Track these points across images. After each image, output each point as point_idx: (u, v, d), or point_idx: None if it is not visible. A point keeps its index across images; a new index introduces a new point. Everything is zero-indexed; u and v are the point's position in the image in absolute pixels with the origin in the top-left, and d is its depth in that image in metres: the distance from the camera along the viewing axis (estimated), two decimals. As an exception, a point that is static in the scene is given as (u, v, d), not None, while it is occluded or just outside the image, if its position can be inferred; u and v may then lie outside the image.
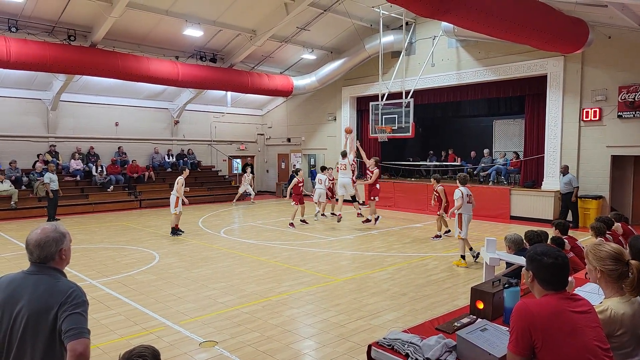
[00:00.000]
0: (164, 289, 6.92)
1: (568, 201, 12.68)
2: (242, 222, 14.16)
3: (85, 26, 13.90)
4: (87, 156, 17.52)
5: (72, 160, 17.08)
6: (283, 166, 22.94)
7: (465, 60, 15.48)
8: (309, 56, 18.20)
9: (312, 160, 21.68)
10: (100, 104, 18.00)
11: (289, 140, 22.38)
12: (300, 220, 13.14)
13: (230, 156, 22.41)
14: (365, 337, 5.01)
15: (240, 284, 7.20)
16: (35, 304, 2.16)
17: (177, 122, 20.42)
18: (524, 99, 15.06)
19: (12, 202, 14.45)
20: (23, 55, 12.35)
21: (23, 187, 15.23)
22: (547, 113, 13.79)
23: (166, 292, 6.73)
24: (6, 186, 14.53)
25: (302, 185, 13.51)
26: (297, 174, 13.60)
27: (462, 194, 8.43)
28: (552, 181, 13.65)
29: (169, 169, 19.51)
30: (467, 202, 8.52)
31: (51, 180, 13.60)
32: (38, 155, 16.35)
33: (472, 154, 17.47)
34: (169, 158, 19.86)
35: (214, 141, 21.82)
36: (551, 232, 5.88)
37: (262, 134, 23.68)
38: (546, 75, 13.72)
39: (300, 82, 18.89)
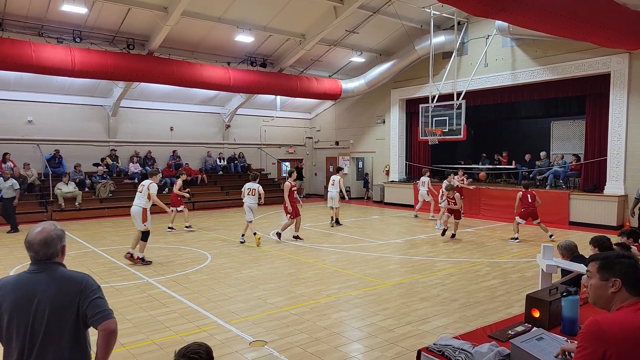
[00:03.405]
0: (216, 288, 7.13)
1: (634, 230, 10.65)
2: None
3: (143, 35, 14.63)
4: (145, 159, 18.38)
5: (131, 163, 17.98)
6: (331, 169, 23.01)
7: (521, 59, 14.89)
8: (358, 59, 18.18)
9: (361, 163, 21.62)
10: (156, 109, 18.89)
11: (337, 143, 22.44)
12: (293, 237, 11.10)
13: (280, 159, 22.77)
14: (414, 343, 4.92)
15: (289, 285, 7.28)
16: (54, 299, 2.27)
17: (228, 126, 21.02)
18: (585, 99, 14.28)
19: (76, 203, 15.42)
20: (86, 64, 13.15)
21: (86, 189, 16.20)
22: (611, 113, 13.00)
23: (218, 292, 6.93)
24: (71, 188, 15.53)
25: (296, 191, 11.36)
26: (290, 176, 11.53)
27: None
28: (616, 185, 12.84)
29: (221, 172, 20.11)
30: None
31: (11, 186, 12.57)
32: (102, 160, 17.36)
33: (527, 156, 16.74)
34: (220, 161, 20.47)
35: (263, 145, 22.26)
36: (615, 239, 5.53)
37: (310, 137, 23.90)
38: (609, 74, 12.94)
39: (349, 85, 18.91)
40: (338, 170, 13.79)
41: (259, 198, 10.74)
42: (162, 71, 14.47)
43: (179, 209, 12.90)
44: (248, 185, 10.86)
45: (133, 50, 14.60)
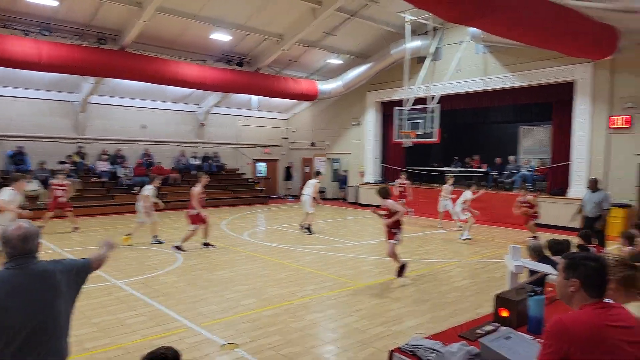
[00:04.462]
0: (187, 290, 7.01)
1: (592, 227, 8.99)
2: (265, 225, 14.25)
3: (116, 30, 14.29)
4: (114, 158, 17.95)
5: (99, 161, 17.52)
6: (307, 170, 23.03)
7: (493, 65, 15.26)
8: (335, 61, 18.26)
9: (336, 164, 21.71)
10: (128, 106, 18.47)
11: (313, 144, 22.46)
12: (204, 244, 10.14)
13: (255, 159, 22.63)
14: (387, 343, 4.96)
15: (262, 287, 7.24)
16: (40, 291, 2.36)
17: (203, 125, 20.75)
18: (551, 105, 14.75)
19: (40, 202, 14.91)
20: (54, 57, 12.75)
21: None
22: (575, 120, 13.48)
23: (188, 294, 6.82)
24: (35, 186, 14.99)
25: (205, 196, 10.38)
26: (201, 180, 10.33)
27: None
28: (579, 189, 13.28)
29: (194, 172, 19.81)
30: None
31: None
32: (68, 157, 16.84)
33: (498, 160, 17.16)
34: (194, 160, 20.18)
35: (238, 144, 22.07)
36: (576, 241, 5.73)
37: (286, 138, 23.84)
38: (574, 82, 13.42)
39: (326, 86, 18.96)
40: (317, 174, 13.37)
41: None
42: (134, 67, 14.16)
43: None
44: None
45: (105, 45, 14.23)
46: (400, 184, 15.39)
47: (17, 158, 15.62)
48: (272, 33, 15.74)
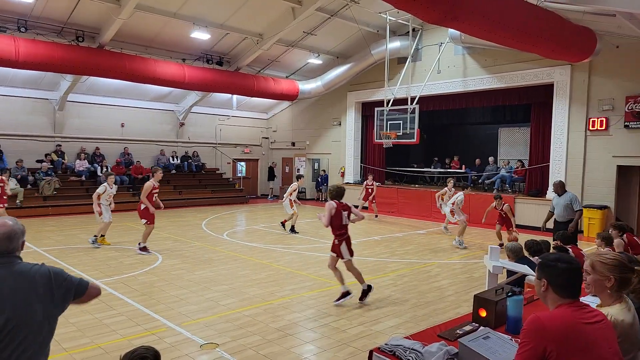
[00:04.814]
0: (166, 290, 6.92)
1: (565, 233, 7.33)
2: (245, 225, 14.16)
3: (94, 27, 14.01)
4: (93, 156, 17.60)
5: (78, 160, 17.17)
6: (287, 170, 22.97)
7: (472, 67, 15.49)
8: (315, 61, 18.26)
9: (316, 164, 21.72)
10: (106, 104, 18.13)
11: (293, 144, 22.42)
12: (140, 248, 9.42)
13: (235, 159, 22.47)
14: (367, 343, 4.98)
15: (242, 287, 7.19)
16: (20, 292, 2.26)
17: (182, 124, 20.51)
18: (530, 107, 15.04)
19: (17, 201, 14.53)
20: (31, 55, 12.46)
21: (29, 186, 15.31)
22: (553, 122, 13.76)
23: (168, 294, 6.73)
24: (12, 185, 14.58)
25: (157, 193, 9.72)
26: (155, 175, 9.89)
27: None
28: (557, 190, 13.61)
29: (174, 171, 19.58)
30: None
31: None
32: (46, 155, 16.46)
33: (477, 161, 17.44)
34: (173, 160, 19.93)
35: (218, 144, 21.88)
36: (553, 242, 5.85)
37: (266, 138, 23.74)
38: (553, 84, 13.71)
39: (306, 86, 18.95)
40: (297, 177, 13.25)
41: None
42: (113, 65, 13.90)
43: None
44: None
45: (83, 42, 13.95)
46: (367, 184, 15.53)
47: (-7, 156, 15.21)
48: (252, 32, 15.65)
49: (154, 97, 18.99)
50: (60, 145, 17.07)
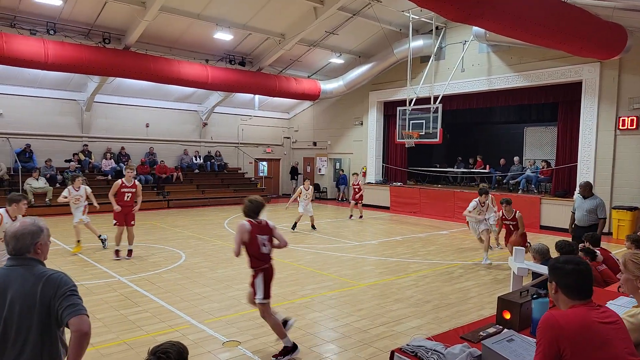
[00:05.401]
0: (190, 287, 7.02)
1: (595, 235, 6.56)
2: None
3: (120, 29, 14.32)
4: (118, 156, 18.00)
5: (104, 159, 17.58)
6: (309, 169, 23.03)
7: (497, 65, 15.21)
8: (337, 60, 18.24)
9: (338, 164, 21.70)
10: (132, 105, 18.51)
11: (314, 144, 22.45)
12: (116, 252, 8.97)
13: (257, 159, 22.64)
14: (388, 344, 4.95)
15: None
16: (27, 295, 2.21)
17: (205, 125, 20.77)
18: (557, 106, 14.69)
19: (46, 199, 14.97)
20: (60, 57, 12.81)
21: (57, 185, 15.75)
22: (581, 121, 13.40)
23: (191, 291, 6.83)
24: (41, 183, 15.07)
25: (131, 193, 9.10)
26: (126, 173, 9.20)
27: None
28: (585, 191, 13.24)
29: (197, 170, 19.86)
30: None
31: None
32: (73, 155, 16.92)
33: (502, 161, 17.12)
34: (196, 159, 20.21)
35: (240, 144, 22.09)
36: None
37: (288, 138, 23.84)
38: (581, 82, 13.35)
39: (328, 86, 18.95)
40: (304, 180, 13.38)
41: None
42: (138, 66, 14.19)
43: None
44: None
45: (109, 44, 14.28)
46: (354, 184, 15.51)
47: (25, 155, 15.71)
48: (274, 32, 15.74)
49: (177, 97, 19.30)
50: (87, 145, 17.51)
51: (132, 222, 9.15)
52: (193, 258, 9.03)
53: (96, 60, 13.48)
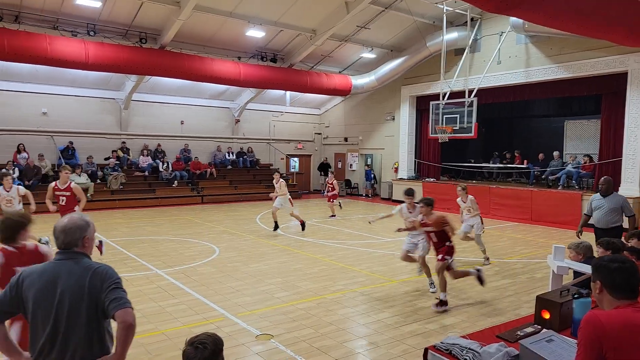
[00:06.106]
0: (223, 281, 7.15)
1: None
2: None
3: (155, 29, 14.67)
4: (155, 153, 18.50)
5: (141, 156, 18.10)
6: (340, 165, 22.99)
7: (535, 56, 14.70)
8: (369, 55, 18.09)
9: (369, 160, 21.57)
10: (167, 103, 18.96)
11: (346, 139, 22.39)
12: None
13: (288, 155, 22.79)
14: (420, 341, 4.89)
15: (296, 280, 7.28)
16: (76, 288, 2.29)
17: (237, 121, 21.05)
18: (600, 98, 14.07)
19: (88, 195, 15.57)
20: (100, 57, 13.26)
21: (98, 181, 16.35)
22: (627, 113, 12.78)
23: (225, 285, 6.95)
24: (83, 179, 15.67)
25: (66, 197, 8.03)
26: (63, 171, 8.09)
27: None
28: (630, 187, 12.64)
29: (229, 166, 20.17)
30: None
31: None
32: (112, 152, 17.52)
33: (540, 156, 16.55)
34: (229, 156, 20.53)
35: (272, 140, 22.28)
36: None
37: (319, 133, 23.87)
38: (627, 73, 12.72)
39: (359, 81, 18.83)
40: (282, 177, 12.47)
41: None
42: (173, 65, 14.52)
43: None
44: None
45: (145, 44, 14.66)
46: (329, 182, 15.14)
47: (68, 152, 16.38)
48: (305, 28, 15.75)
49: (211, 95, 19.63)
50: (125, 142, 18.08)
51: None
52: (226, 252, 9.19)
53: (134, 60, 13.88)
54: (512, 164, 17.48)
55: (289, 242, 10.45)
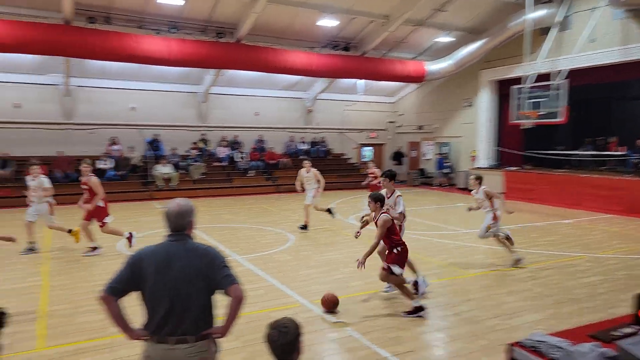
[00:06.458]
0: (299, 269, 7.31)
1: None
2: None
3: (231, 23, 15.17)
4: (232, 144, 19.28)
5: (219, 147, 18.95)
6: (414, 154, 22.48)
7: (635, 33, 13.27)
8: (444, 39, 17.41)
9: (447, 148, 20.86)
10: (243, 95, 19.62)
11: (420, 128, 21.81)
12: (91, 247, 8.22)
13: (361, 144, 22.67)
14: (502, 337, 4.66)
15: (368, 270, 7.15)
16: (188, 267, 2.52)
17: (310, 111, 21.29)
18: None
19: (171, 183, 16.64)
20: (181, 53, 14.01)
21: (181, 171, 17.39)
22: None
23: (300, 272, 7.11)
24: (168, 169, 16.76)
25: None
26: (83, 165, 8.11)
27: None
28: None
29: (303, 156, 20.47)
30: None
31: None
32: (193, 143, 18.52)
33: (639, 142, 14.99)
34: (302, 145, 20.84)
35: (344, 129, 22.27)
36: None
37: (392, 122, 23.47)
38: None
39: (434, 66, 18.19)
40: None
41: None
42: (249, 58, 14.98)
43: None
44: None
45: (223, 38, 15.23)
46: (370, 172, 12.58)
47: (154, 144, 17.60)
48: (378, 15, 15.46)
49: (284, 86, 20.01)
50: (205, 134, 19.02)
51: (97, 221, 8.01)
52: (301, 241, 9.38)
53: (212, 55, 14.51)
54: (606, 151, 16.00)
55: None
